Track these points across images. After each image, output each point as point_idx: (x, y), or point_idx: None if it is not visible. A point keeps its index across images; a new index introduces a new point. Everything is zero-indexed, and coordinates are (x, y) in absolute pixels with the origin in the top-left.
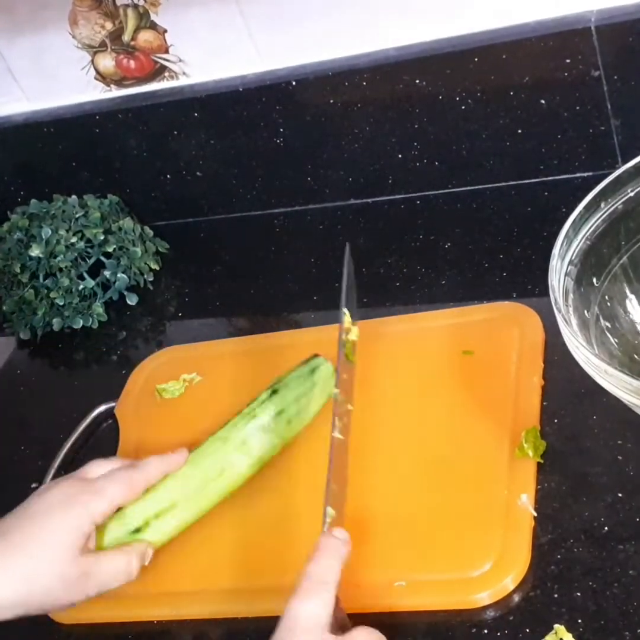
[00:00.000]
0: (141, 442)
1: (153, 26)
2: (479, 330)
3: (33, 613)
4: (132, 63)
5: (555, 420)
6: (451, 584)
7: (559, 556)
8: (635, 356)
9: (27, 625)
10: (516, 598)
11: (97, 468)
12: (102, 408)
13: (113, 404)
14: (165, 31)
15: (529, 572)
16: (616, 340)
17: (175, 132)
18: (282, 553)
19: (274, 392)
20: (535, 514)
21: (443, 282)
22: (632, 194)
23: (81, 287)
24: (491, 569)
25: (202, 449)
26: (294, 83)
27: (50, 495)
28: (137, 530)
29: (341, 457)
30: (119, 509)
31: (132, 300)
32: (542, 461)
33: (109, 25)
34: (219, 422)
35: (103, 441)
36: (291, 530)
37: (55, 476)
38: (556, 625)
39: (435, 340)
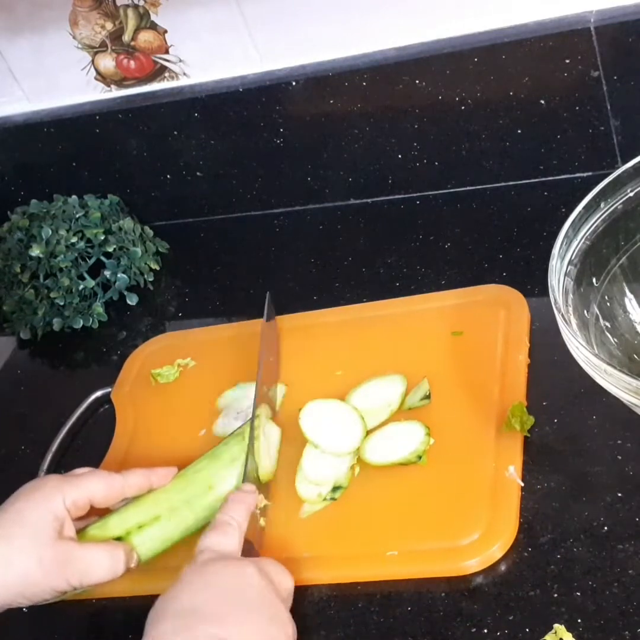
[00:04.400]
0: (137, 426)
1: (153, 26)
2: (467, 311)
3: (15, 601)
4: (132, 63)
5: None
6: (441, 553)
7: (558, 556)
8: (635, 356)
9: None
10: (512, 591)
11: (79, 470)
12: (99, 393)
13: (109, 389)
14: (166, 31)
15: (515, 542)
16: (616, 340)
17: (176, 133)
18: (287, 536)
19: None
20: (522, 484)
21: (443, 282)
22: (631, 194)
23: (81, 287)
24: (480, 537)
25: (192, 466)
26: (294, 83)
27: (27, 487)
28: (118, 540)
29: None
30: (102, 518)
31: (132, 300)
32: (528, 435)
33: (109, 26)
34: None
35: (100, 426)
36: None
37: (52, 460)
38: (556, 625)
39: (426, 321)
